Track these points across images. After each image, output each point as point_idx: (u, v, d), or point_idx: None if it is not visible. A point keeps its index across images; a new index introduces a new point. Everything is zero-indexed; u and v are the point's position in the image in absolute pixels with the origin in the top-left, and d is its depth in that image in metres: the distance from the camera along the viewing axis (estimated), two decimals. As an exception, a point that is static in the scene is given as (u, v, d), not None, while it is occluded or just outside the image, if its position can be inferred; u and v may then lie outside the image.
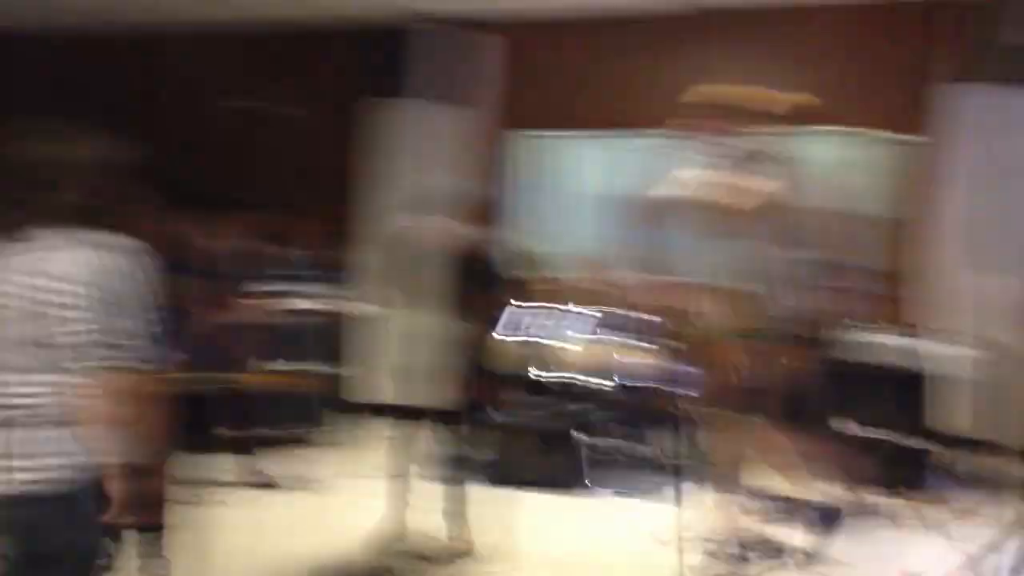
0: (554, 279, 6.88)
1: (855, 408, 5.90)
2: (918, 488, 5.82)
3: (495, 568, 4.93)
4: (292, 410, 6.91)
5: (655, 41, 7.62)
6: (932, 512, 5.46)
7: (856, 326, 5.94)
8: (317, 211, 8.10)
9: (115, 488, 2.71)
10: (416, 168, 7.80)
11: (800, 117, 4.39)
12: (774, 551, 4.86)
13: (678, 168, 4.41)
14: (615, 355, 6.29)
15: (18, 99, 8.03)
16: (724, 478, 4.71)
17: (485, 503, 5.49)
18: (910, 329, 6.33)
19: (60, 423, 2.60)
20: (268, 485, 6.01)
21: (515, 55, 7.81)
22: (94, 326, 2.55)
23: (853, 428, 5.88)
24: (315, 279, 6.57)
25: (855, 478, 5.61)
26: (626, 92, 7.70)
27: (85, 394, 2.59)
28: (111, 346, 2.56)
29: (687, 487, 5.21)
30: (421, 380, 4.82)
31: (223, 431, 6.57)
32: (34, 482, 2.58)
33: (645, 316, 6.70)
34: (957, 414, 6.25)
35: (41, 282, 2.56)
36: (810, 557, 4.81)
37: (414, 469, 5.11)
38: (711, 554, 4.77)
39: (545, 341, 6.23)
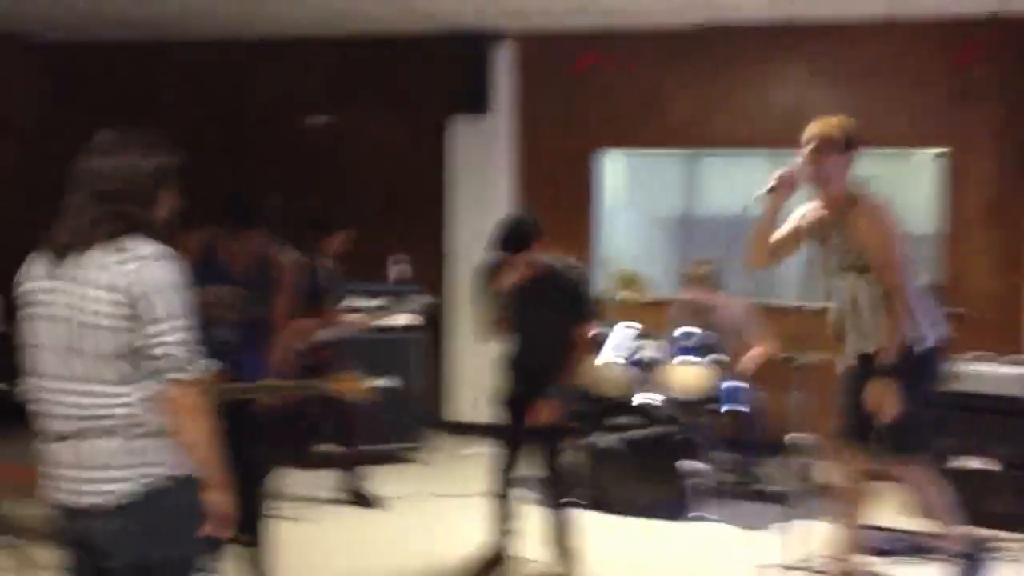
0: (654, 300, 6.73)
1: (975, 441, 5.63)
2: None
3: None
4: (391, 428, 6.87)
5: (737, 54, 7.47)
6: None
7: (970, 355, 5.68)
8: (406, 229, 8.16)
9: (212, 502, 2.66)
10: (499, 187, 7.73)
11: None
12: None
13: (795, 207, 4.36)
14: (720, 379, 6.10)
15: (95, 110, 8.25)
16: (838, 510, 4.47)
17: (587, 529, 5.37)
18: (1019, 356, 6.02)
19: (142, 435, 2.55)
20: (368, 503, 5.96)
21: (595, 72, 7.72)
22: (148, 338, 2.52)
23: (974, 463, 5.60)
24: (408, 296, 6.53)
25: (976, 515, 5.34)
26: (701, 108, 7.56)
27: (162, 406, 2.55)
28: (163, 357, 2.52)
29: (796, 518, 5.03)
30: (519, 402, 4.75)
31: (324, 448, 6.60)
32: (112, 494, 2.54)
33: (750, 340, 6.56)
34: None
35: (92, 293, 2.52)
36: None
37: (515, 492, 5.01)
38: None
39: (652, 364, 6.07)
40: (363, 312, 6.18)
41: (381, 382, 4.20)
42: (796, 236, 4.34)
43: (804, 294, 7.00)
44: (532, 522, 4.93)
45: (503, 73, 7.76)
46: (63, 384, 2.56)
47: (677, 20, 7.30)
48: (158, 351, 2.52)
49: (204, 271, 4.28)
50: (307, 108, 8.40)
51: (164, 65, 8.67)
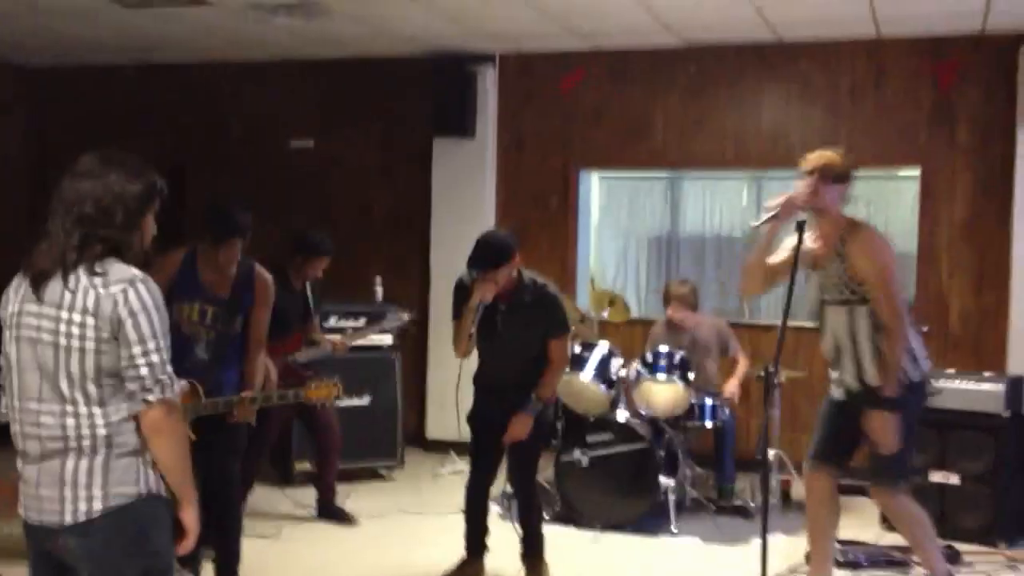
0: (635, 319, 6.79)
1: (949, 457, 5.70)
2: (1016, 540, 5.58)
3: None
4: (370, 446, 6.92)
5: (719, 76, 7.57)
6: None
7: (943, 372, 5.75)
8: (390, 250, 8.22)
9: (184, 519, 2.72)
10: (483, 208, 7.82)
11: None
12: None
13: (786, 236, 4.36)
14: (697, 396, 6.17)
15: (78, 133, 8.31)
16: (812, 526, 4.53)
17: (565, 545, 5.41)
18: (996, 373, 6.09)
19: (120, 454, 2.60)
20: (345, 520, 5.99)
21: (577, 93, 7.82)
22: (127, 361, 2.57)
23: (949, 478, 5.67)
24: (388, 316, 6.59)
25: (954, 531, 5.41)
26: (684, 129, 7.65)
27: (139, 426, 2.61)
28: (141, 379, 2.57)
29: (773, 533, 5.07)
30: (492, 417, 4.77)
31: (301, 465, 6.64)
32: (89, 513, 2.57)
33: (728, 358, 6.64)
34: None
35: (73, 316, 2.56)
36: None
37: (490, 508, 5.06)
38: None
39: (631, 382, 6.13)
40: (344, 332, 6.24)
41: (352, 400, 4.25)
42: (790, 263, 4.39)
43: (780, 313, 7.05)
44: (507, 539, 4.97)
45: (486, 94, 7.84)
46: (43, 406, 2.59)
47: (660, 41, 7.40)
48: (136, 373, 2.57)
49: (181, 286, 4.36)
50: (291, 130, 8.49)
51: (148, 89, 8.74)
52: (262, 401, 4.46)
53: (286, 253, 5.80)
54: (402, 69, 8.05)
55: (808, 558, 4.78)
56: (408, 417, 7.49)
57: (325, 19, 6.83)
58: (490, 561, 4.98)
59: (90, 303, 2.55)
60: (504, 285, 4.64)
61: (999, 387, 5.70)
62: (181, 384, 2.97)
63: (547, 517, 5.52)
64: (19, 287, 2.68)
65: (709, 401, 6.21)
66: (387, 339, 7.03)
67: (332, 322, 6.73)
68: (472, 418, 4.92)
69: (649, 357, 6.11)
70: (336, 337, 6.03)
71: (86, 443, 2.57)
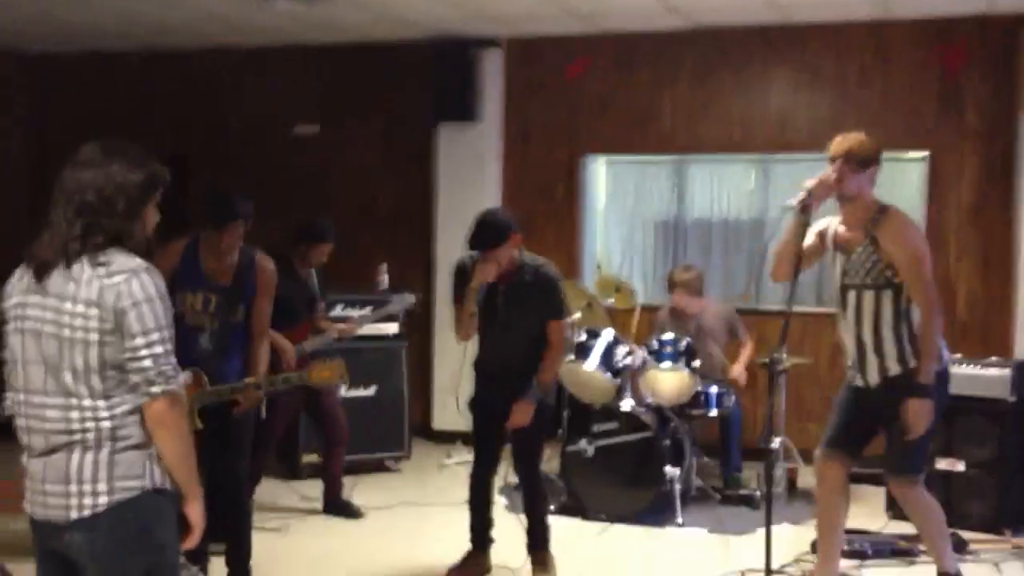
0: (641, 306, 6.75)
1: (954, 444, 5.67)
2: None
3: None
4: (376, 437, 6.90)
5: (725, 59, 7.52)
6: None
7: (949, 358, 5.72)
8: (393, 237, 8.19)
9: (189, 513, 2.70)
10: (487, 193, 7.76)
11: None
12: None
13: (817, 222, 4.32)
14: (702, 384, 6.14)
15: (80, 121, 8.28)
16: (820, 515, 4.51)
17: (571, 537, 5.40)
18: (1002, 358, 6.05)
19: (125, 448, 2.58)
20: (351, 512, 5.98)
21: (582, 78, 7.77)
22: (130, 352, 2.54)
23: (955, 465, 5.64)
24: (393, 299, 6.55)
25: (960, 518, 5.38)
26: (690, 113, 7.61)
27: (143, 419, 2.59)
28: (144, 371, 2.55)
29: (779, 522, 5.06)
30: (493, 403, 4.72)
31: (308, 458, 6.63)
32: (94, 507, 2.56)
33: (735, 344, 6.62)
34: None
35: (76, 308, 2.54)
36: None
37: (495, 499, 5.03)
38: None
39: (635, 370, 6.10)
40: (348, 320, 6.21)
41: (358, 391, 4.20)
42: (817, 249, 4.35)
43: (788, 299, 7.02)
44: (513, 530, 4.95)
45: (490, 79, 7.79)
46: (47, 399, 2.57)
47: (665, 24, 7.34)
48: (139, 364, 2.55)
49: (183, 275, 4.33)
50: (294, 117, 8.45)
51: (150, 77, 8.70)
52: (267, 386, 4.41)
53: (289, 241, 5.77)
54: (405, 55, 8.00)
55: (814, 547, 4.77)
56: (414, 408, 7.47)
57: (327, 4, 6.80)
58: (496, 553, 4.96)
59: (93, 294, 2.53)
60: (505, 265, 4.58)
61: (1005, 372, 5.65)
62: (184, 374, 2.95)
63: (553, 508, 5.50)
64: (21, 278, 2.65)
65: (714, 389, 6.18)
66: (393, 328, 7.00)
67: (338, 310, 6.70)
68: (473, 404, 4.88)
69: (655, 344, 6.08)
70: (341, 325, 6.00)
71: (90, 437, 2.55)
